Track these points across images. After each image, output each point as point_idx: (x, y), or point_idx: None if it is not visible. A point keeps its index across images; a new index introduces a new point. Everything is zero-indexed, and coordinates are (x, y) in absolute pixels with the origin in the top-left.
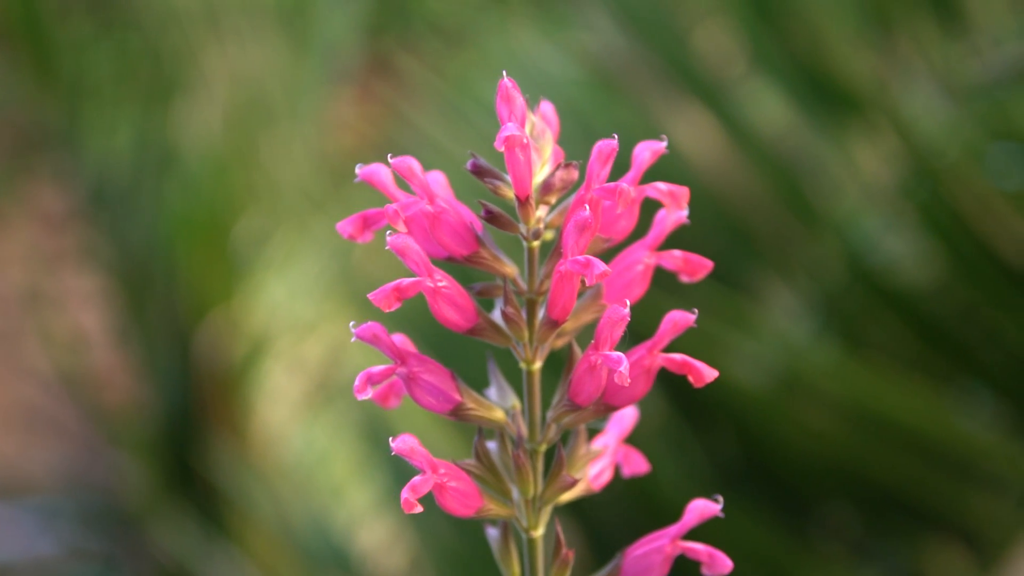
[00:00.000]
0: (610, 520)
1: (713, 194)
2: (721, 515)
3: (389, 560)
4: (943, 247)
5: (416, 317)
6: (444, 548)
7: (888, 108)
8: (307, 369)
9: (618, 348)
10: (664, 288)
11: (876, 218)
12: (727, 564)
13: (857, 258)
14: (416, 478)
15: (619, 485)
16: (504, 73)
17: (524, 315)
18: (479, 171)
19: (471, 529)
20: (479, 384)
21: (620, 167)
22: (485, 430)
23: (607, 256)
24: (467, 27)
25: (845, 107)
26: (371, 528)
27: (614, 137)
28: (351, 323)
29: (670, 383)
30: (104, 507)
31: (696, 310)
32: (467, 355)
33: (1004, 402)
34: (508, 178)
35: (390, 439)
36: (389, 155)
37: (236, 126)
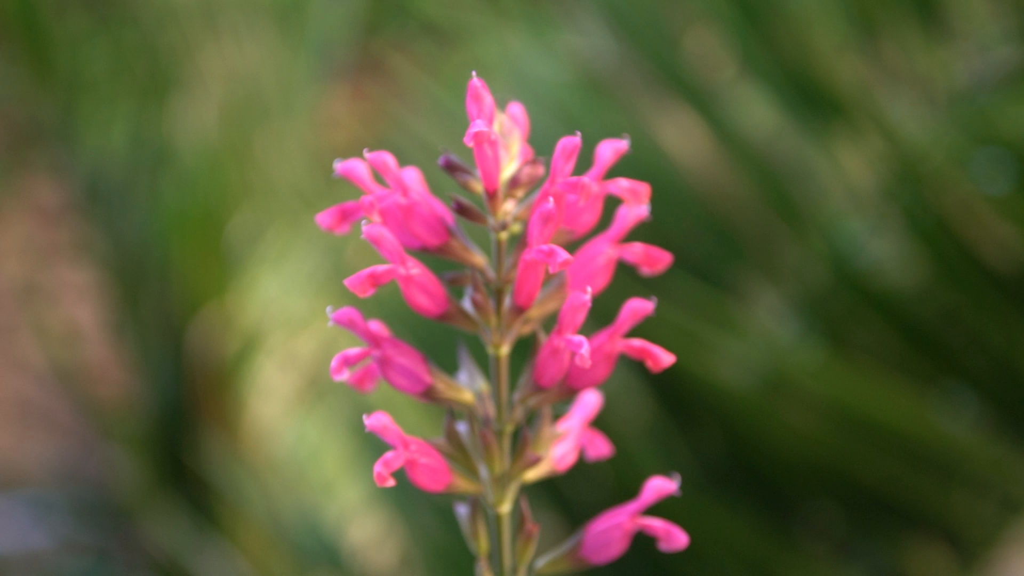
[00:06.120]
0: (597, 515)
1: (700, 196)
2: (678, 493)
3: (379, 556)
4: (927, 251)
5: (400, 310)
6: (434, 544)
7: (873, 113)
8: (299, 365)
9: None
10: (650, 287)
11: (861, 221)
12: (682, 539)
13: (842, 260)
14: (388, 453)
15: (608, 483)
16: (474, 74)
17: (492, 302)
18: (451, 166)
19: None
20: (452, 369)
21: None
22: (456, 411)
23: (571, 249)
24: (460, 28)
25: (831, 111)
26: (361, 524)
27: (577, 134)
28: (328, 308)
29: (657, 383)
30: (97, 501)
31: (655, 298)
32: (445, 342)
33: (987, 405)
34: (478, 173)
35: (364, 416)
36: (365, 149)
37: (231, 123)
